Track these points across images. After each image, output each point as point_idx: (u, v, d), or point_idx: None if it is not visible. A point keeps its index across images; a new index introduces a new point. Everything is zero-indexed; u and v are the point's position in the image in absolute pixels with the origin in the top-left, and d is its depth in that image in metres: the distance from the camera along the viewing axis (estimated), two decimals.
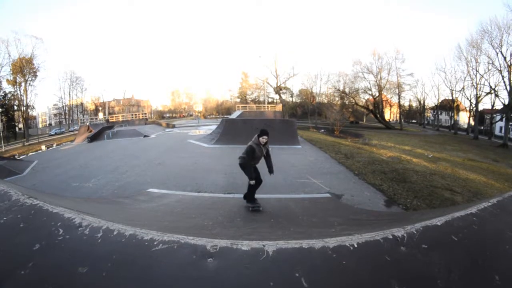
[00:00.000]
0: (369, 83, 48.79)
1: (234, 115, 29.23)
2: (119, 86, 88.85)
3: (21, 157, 17.52)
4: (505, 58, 31.93)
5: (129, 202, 4.34)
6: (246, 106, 37.97)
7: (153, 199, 5.14)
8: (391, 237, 0.95)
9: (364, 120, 56.00)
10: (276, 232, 1.88)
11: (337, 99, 51.74)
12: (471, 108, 40.42)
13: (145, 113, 46.87)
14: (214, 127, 21.95)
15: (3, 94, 40.08)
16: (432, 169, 10.58)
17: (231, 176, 7.37)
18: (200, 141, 15.97)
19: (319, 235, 1.63)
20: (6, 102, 40.37)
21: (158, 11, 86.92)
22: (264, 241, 0.82)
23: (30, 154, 19.11)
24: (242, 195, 5.47)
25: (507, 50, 32.06)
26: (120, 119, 35.44)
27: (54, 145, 23.37)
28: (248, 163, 4.41)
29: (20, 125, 42.87)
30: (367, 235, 0.94)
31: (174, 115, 67.61)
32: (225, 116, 48.14)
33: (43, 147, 22.00)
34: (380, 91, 47.69)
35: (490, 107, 38.11)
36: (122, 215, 2.35)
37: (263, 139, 4.52)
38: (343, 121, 35.55)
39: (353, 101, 49.64)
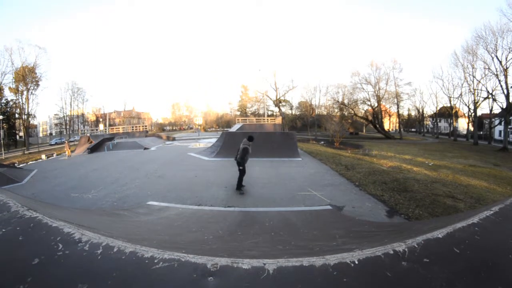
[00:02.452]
0: (368, 94, 49.41)
1: (234, 128, 29.38)
2: (120, 98, 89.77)
3: (20, 165, 17.50)
4: (500, 62, 32.49)
5: (128, 215, 4.30)
6: (246, 119, 38.26)
7: (153, 212, 5.09)
8: (392, 252, 0.94)
9: (364, 130, 56.27)
10: (276, 247, 1.86)
11: (336, 110, 52.20)
12: (470, 114, 40.69)
13: (145, 125, 47.13)
14: (214, 140, 22.00)
15: (5, 101, 40.63)
16: (433, 177, 10.52)
17: (231, 190, 7.34)
18: (201, 154, 15.98)
19: (321, 249, 1.62)
20: (8, 109, 40.78)
21: (160, 24, 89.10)
22: (264, 260, 0.83)
23: (30, 162, 19.08)
24: (242, 209, 5.64)
25: (502, 54, 32.68)
26: (121, 131, 35.56)
27: (54, 154, 23.35)
28: (245, 161, 7.07)
29: (21, 133, 43.09)
30: (368, 251, 0.93)
31: (174, 128, 67.93)
32: (225, 129, 48.40)
33: (43, 156, 21.97)
34: (379, 101, 48.14)
35: (488, 112, 38.39)
36: (122, 229, 2.33)
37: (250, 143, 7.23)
38: (342, 133, 35.64)
39: (352, 112, 50.01)
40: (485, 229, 1.11)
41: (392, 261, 0.91)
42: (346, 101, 50.32)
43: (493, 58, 33.52)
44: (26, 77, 39.32)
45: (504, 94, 32.01)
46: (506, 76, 31.86)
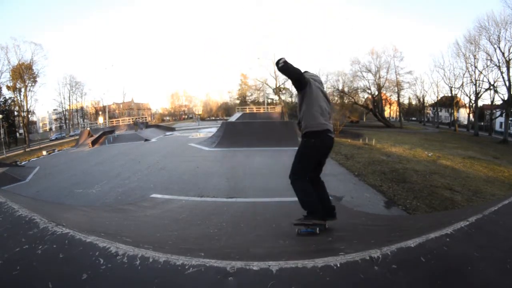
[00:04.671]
0: (368, 82, 48.84)
1: (234, 118, 29.34)
2: (119, 89, 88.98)
3: (23, 163, 17.64)
4: (503, 53, 31.95)
5: (134, 209, 4.42)
6: (245, 108, 38.15)
7: (157, 205, 5.21)
8: (368, 258, 1.13)
9: (364, 119, 56.06)
10: (278, 241, 1.99)
11: (336, 98, 51.76)
12: (471, 104, 40.39)
13: (145, 117, 46.99)
14: (214, 129, 22.05)
15: (3, 100, 40.46)
16: (432, 168, 10.64)
17: (232, 180, 7.46)
18: (201, 144, 16.06)
19: (316, 247, 1.78)
20: (7, 108, 40.68)
21: (157, 14, 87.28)
22: (269, 262, 1.04)
23: (32, 159, 19.22)
24: (244, 199, 5.56)
25: (505, 45, 32.08)
26: (121, 123, 35.52)
27: (55, 150, 23.47)
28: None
29: (21, 131, 43.12)
30: (349, 256, 1.14)
31: (174, 118, 67.73)
32: (225, 118, 48.30)
33: (44, 152, 22.10)
34: (379, 89, 47.71)
35: (489, 103, 38.06)
36: (133, 227, 2.45)
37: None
38: (343, 121, 35.53)
39: (353, 100, 49.65)
40: (455, 240, 1.23)
41: (366, 265, 1.10)
42: (346, 89, 49.81)
43: (495, 49, 32.95)
44: (23, 74, 39.06)
45: (506, 86, 31.62)
46: (508, 68, 31.39)
